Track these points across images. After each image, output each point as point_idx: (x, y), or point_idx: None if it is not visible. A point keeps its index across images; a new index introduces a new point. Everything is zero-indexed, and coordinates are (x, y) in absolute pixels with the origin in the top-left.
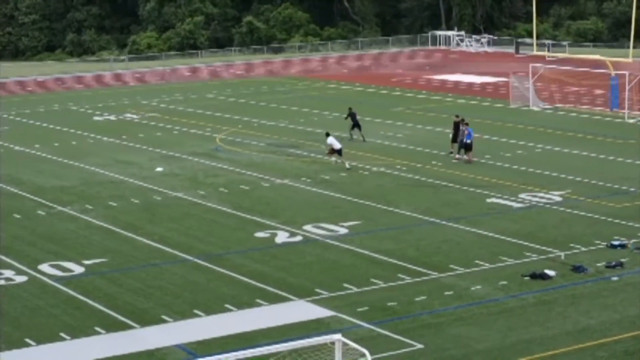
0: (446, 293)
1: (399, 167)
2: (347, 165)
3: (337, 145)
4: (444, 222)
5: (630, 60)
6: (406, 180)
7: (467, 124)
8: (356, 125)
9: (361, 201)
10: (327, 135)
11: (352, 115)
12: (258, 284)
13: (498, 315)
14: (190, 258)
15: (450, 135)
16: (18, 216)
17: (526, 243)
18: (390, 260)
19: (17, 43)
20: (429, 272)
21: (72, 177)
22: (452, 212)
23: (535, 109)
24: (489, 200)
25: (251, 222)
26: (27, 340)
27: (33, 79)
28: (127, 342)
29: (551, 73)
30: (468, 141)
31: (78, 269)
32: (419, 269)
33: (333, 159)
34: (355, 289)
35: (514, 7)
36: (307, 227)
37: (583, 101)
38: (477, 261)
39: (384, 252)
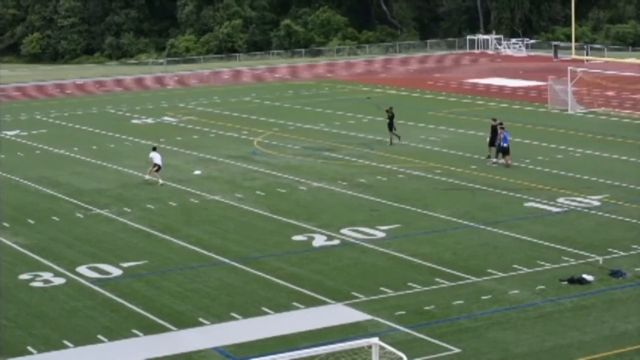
0: (484, 297)
1: (436, 170)
2: (160, 182)
3: (157, 161)
4: (481, 226)
5: None
6: (443, 183)
7: (503, 128)
8: (390, 126)
9: (398, 205)
10: (154, 149)
11: (390, 115)
12: (295, 287)
13: (536, 320)
14: (227, 261)
15: (488, 139)
16: (56, 218)
17: (564, 247)
18: (428, 264)
19: (56, 46)
20: (467, 276)
21: (109, 179)
22: (489, 215)
23: (574, 112)
24: (526, 204)
25: (288, 226)
26: (65, 341)
27: (72, 82)
28: (164, 344)
29: (590, 77)
30: (505, 145)
31: (116, 272)
32: (457, 272)
33: (159, 179)
34: (392, 293)
35: (552, 11)
36: (344, 231)
37: (622, 105)
38: (514, 265)
39: (421, 255)
